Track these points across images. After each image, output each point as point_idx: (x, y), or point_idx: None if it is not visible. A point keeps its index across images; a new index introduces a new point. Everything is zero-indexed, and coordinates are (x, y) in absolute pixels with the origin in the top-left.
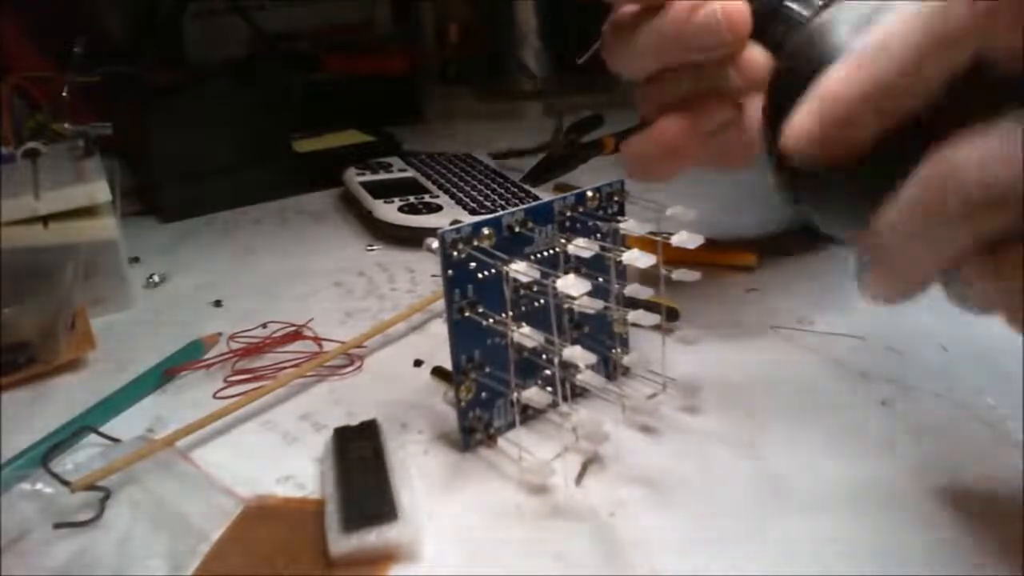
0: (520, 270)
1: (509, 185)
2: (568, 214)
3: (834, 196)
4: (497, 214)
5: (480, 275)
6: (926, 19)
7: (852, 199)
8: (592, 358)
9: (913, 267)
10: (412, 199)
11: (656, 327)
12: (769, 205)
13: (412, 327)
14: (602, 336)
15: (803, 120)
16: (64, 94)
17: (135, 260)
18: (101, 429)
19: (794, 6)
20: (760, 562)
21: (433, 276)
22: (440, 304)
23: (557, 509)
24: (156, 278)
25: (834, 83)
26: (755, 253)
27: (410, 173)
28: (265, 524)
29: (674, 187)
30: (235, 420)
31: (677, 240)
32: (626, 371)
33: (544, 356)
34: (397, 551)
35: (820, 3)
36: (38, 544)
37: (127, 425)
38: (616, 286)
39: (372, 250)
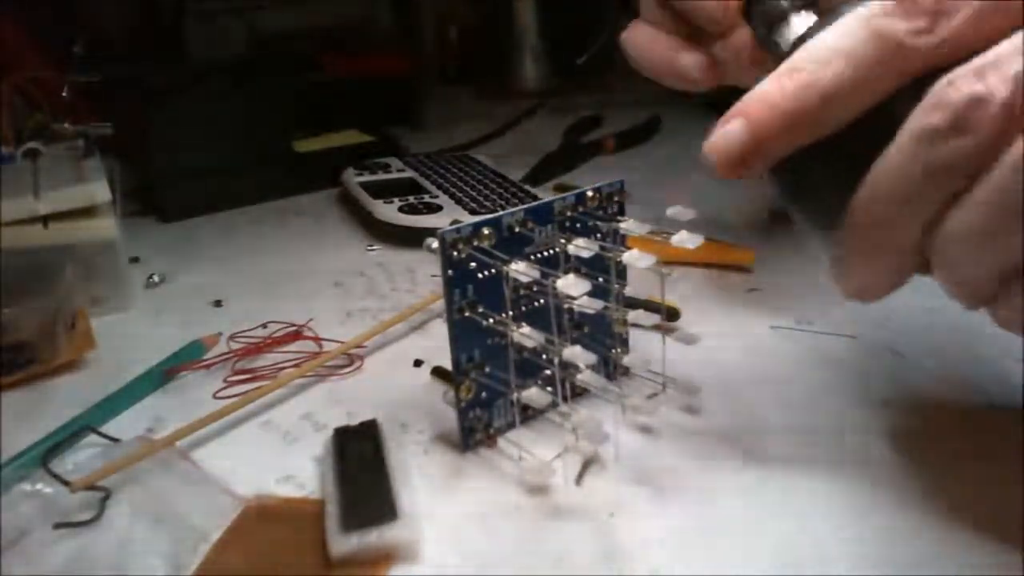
0: (520, 270)
1: (509, 185)
2: (568, 214)
3: (810, 189)
4: (497, 214)
5: (480, 275)
6: (874, 36)
7: (827, 191)
8: (592, 358)
9: (891, 240)
10: (412, 199)
11: (656, 327)
12: (766, 202)
13: (412, 327)
14: (602, 336)
15: (728, 141)
16: (64, 94)
17: (135, 260)
18: (101, 429)
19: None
20: (760, 562)
21: (433, 276)
22: (440, 304)
23: (557, 509)
24: (156, 278)
25: (768, 96)
26: (755, 253)
27: (409, 173)
28: (265, 524)
29: (673, 187)
30: (235, 420)
31: (677, 240)
32: (626, 371)
33: (544, 356)
34: (397, 551)
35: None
36: (38, 544)
37: (127, 425)
38: (616, 286)
39: (372, 250)
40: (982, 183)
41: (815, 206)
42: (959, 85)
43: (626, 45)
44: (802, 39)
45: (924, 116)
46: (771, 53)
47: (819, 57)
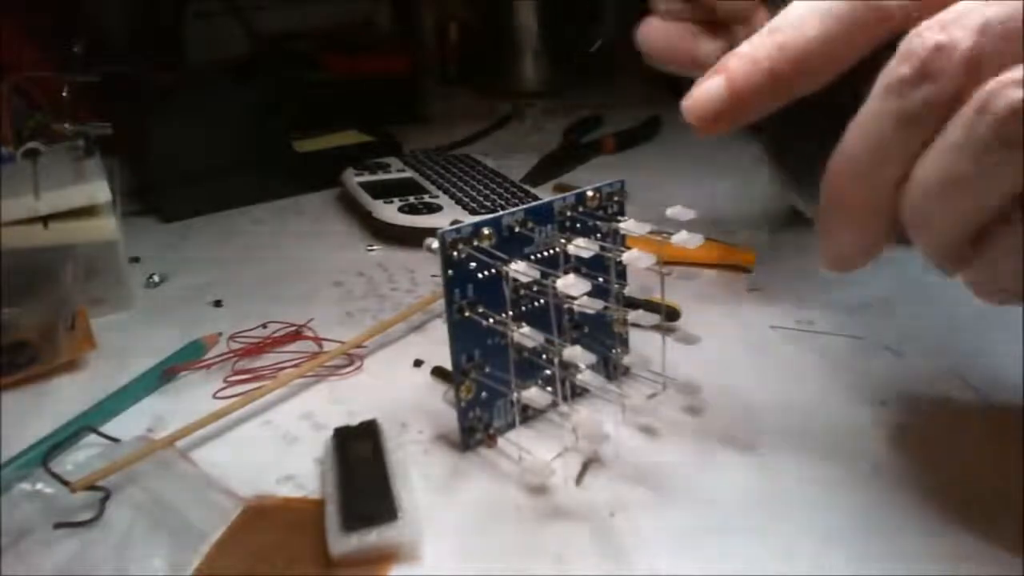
0: (520, 270)
1: (509, 185)
2: (568, 214)
3: (795, 153)
4: (497, 214)
5: (480, 275)
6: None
7: (810, 153)
8: (592, 358)
9: (865, 196)
10: (412, 199)
11: (656, 327)
12: (766, 200)
13: (412, 327)
14: (602, 336)
15: (707, 96)
16: (64, 94)
17: (135, 260)
18: (101, 429)
19: None
20: (760, 562)
21: (433, 276)
22: (440, 304)
23: (557, 509)
24: (156, 278)
25: (742, 60)
26: (755, 253)
27: (408, 173)
28: (265, 524)
29: (673, 187)
30: (235, 420)
31: (677, 240)
32: (626, 371)
33: (544, 356)
34: (397, 551)
35: None
36: (38, 544)
37: (127, 425)
38: (616, 286)
39: (372, 250)
40: (947, 127)
41: (800, 171)
42: (924, 36)
43: (642, 40)
44: None
45: (894, 68)
46: None
47: (797, 18)
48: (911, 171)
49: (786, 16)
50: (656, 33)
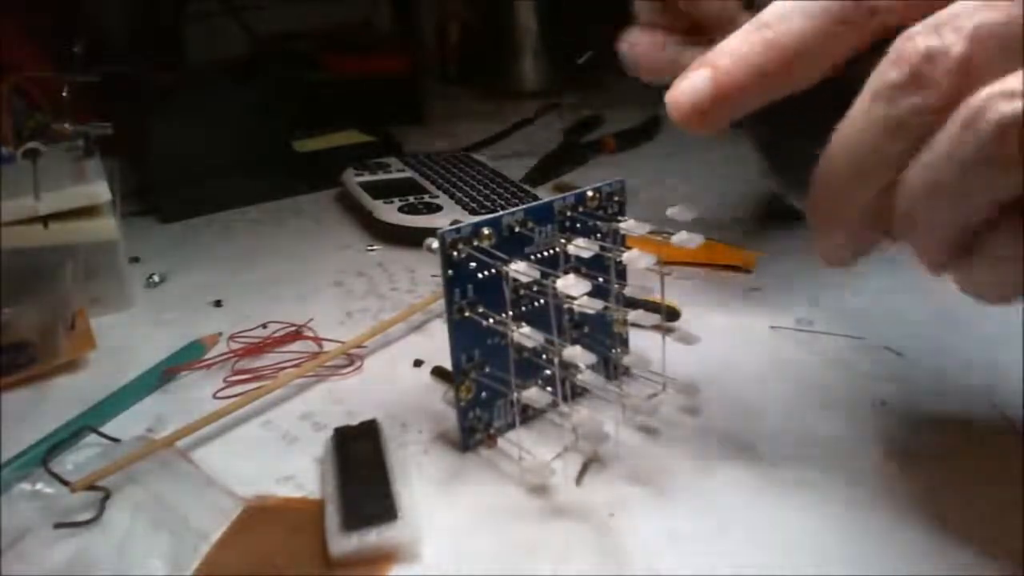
0: (520, 270)
1: (509, 185)
2: (568, 214)
3: (787, 152)
4: (497, 214)
5: (480, 275)
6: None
7: (801, 153)
8: (592, 358)
9: (854, 201)
10: (412, 199)
11: (656, 327)
12: (766, 200)
13: (412, 327)
14: (602, 336)
15: (692, 90)
16: (64, 94)
17: (135, 260)
18: (101, 429)
19: None
20: (759, 562)
21: (433, 276)
22: (440, 304)
23: (557, 509)
24: (156, 278)
25: (729, 55)
26: (755, 253)
27: (408, 173)
28: (265, 524)
29: (673, 184)
30: (235, 420)
31: (677, 240)
32: (626, 371)
33: (544, 356)
34: (397, 551)
35: None
36: (38, 544)
37: (127, 425)
38: (616, 286)
39: (372, 250)
40: (936, 138)
41: (790, 167)
42: (916, 40)
43: (626, 52)
44: None
45: (883, 72)
46: None
47: (785, 13)
48: (900, 176)
49: (772, 12)
50: (641, 43)
